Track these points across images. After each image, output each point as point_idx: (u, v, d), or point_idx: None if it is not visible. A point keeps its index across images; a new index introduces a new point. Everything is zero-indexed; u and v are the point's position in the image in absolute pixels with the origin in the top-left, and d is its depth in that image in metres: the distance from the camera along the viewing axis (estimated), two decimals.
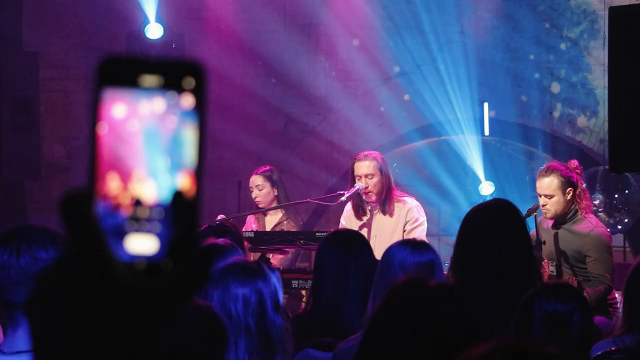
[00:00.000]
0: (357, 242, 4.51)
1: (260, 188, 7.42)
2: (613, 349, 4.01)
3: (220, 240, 4.27)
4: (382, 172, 6.73)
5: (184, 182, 0.87)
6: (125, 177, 0.87)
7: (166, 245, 0.87)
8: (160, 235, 0.87)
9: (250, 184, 7.52)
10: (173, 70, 0.88)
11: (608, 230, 6.54)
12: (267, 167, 7.61)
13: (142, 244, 0.87)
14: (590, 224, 6.24)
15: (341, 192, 6.81)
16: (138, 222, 0.87)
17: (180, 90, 0.88)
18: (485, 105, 9.88)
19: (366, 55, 10.04)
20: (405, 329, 2.08)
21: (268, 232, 7.17)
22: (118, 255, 0.87)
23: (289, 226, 7.33)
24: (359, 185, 6.69)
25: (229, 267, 2.94)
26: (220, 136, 9.74)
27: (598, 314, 5.71)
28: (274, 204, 7.41)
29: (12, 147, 8.91)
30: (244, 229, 7.07)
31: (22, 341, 2.57)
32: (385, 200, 6.74)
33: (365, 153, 6.93)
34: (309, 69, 10.06)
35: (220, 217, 6.86)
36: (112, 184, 0.87)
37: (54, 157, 9.80)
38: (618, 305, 5.61)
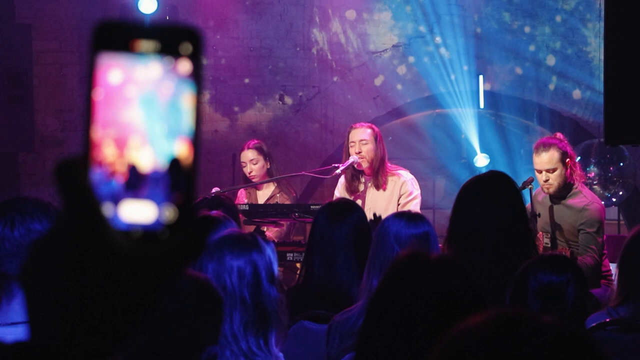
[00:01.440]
0: (344, 211, 4.45)
1: (254, 162, 7.39)
2: (607, 320, 4.02)
3: (214, 212, 4.25)
4: (377, 141, 6.73)
5: (180, 148, 0.86)
6: (121, 143, 0.85)
7: (162, 213, 0.86)
8: (156, 203, 0.86)
9: (243, 159, 7.46)
10: (170, 35, 0.87)
11: (603, 203, 6.55)
12: (256, 141, 7.58)
13: (138, 211, 0.86)
14: (586, 198, 6.25)
15: (336, 165, 6.80)
16: (134, 189, 0.86)
17: (177, 56, 0.86)
18: (481, 78, 9.87)
19: (361, 28, 10.00)
20: (408, 303, 2.08)
21: (263, 204, 7.15)
22: (114, 222, 0.86)
23: (282, 199, 7.31)
24: (353, 158, 6.68)
25: (223, 239, 2.93)
26: (215, 109, 9.72)
27: (593, 287, 5.74)
28: (267, 178, 7.38)
29: (6, 120, 8.87)
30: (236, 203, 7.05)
31: (17, 313, 2.56)
32: (379, 172, 6.73)
33: (361, 123, 6.96)
34: (303, 41, 10.03)
35: (215, 190, 6.85)
36: (108, 150, 0.86)
37: (48, 129, 9.77)
38: (613, 277, 5.63)
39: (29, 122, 9.29)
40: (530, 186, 6.30)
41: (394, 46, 10.04)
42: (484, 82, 9.90)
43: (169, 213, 0.86)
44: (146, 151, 0.86)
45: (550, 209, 6.31)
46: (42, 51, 9.63)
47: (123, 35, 0.86)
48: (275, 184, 7.42)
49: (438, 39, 9.98)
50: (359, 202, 6.70)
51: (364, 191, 6.80)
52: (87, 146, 0.86)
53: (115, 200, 0.86)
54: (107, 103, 0.85)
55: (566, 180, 6.26)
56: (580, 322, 3.37)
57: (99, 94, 0.85)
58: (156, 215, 0.86)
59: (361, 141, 6.71)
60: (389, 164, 6.86)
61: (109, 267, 0.87)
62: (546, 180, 6.26)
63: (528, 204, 6.02)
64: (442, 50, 9.96)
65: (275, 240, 6.65)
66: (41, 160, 9.73)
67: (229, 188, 7.36)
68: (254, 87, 10.00)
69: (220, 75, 9.73)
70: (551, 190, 6.28)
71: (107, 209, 0.86)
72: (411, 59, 10.01)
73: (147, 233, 0.86)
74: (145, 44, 0.86)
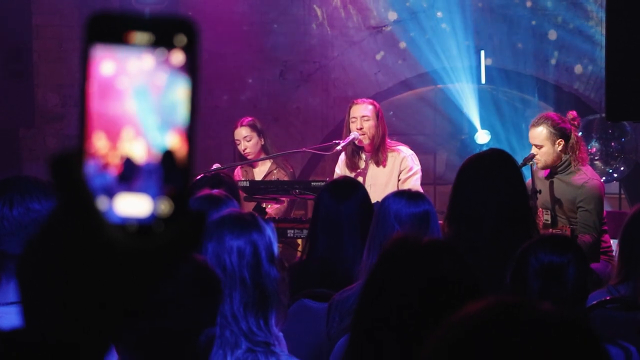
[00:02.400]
0: (349, 188, 4.47)
1: (248, 139, 7.37)
2: (608, 298, 4.03)
3: (215, 191, 4.25)
4: (378, 117, 6.72)
5: (174, 140, 0.86)
6: (114, 135, 0.85)
7: (157, 206, 0.86)
8: (150, 196, 0.85)
9: (236, 137, 7.43)
10: (164, 27, 0.86)
11: (602, 180, 6.53)
12: (250, 118, 7.56)
13: (132, 204, 0.85)
14: (585, 175, 6.23)
15: (337, 142, 6.79)
16: (128, 182, 0.85)
17: (171, 47, 0.85)
18: (482, 53, 9.82)
19: (361, 3, 9.95)
20: (399, 286, 2.08)
21: (263, 181, 7.15)
22: (108, 216, 0.85)
23: (279, 175, 7.30)
24: (354, 134, 6.67)
25: (223, 219, 2.93)
26: (215, 85, 9.69)
27: (593, 262, 5.73)
28: (262, 155, 7.37)
29: (6, 95, 8.85)
30: None
31: (15, 292, 2.56)
32: (379, 149, 6.72)
33: (363, 99, 6.94)
34: (304, 17, 9.98)
35: (215, 166, 6.84)
36: (101, 142, 0.85)
37: (48, 105, 9.75)
38: (613, 253, 5.63)
39: (29, 97, 9.27)
40: (530, 162, 6.29)
41: (394, 21, 10.00)
42: (485, 57, 9.86)
43: (164, 206, 0.86)
44: (140, 143, 0.85)
45: (550, 185, 6.30)
46: (41, 26, 9.59)
47: (117, 26, 0.85)
48: (272, 160, 7.42)
49: (439, 14, 9.93)
50: (359, 178, 6.70)
51: (365, 167, 6.79)
52: (81, 139, 0.85)
53: (110, 193, 0.85)
54: (101, 95, 0.84)
55: (556, 160, 6.21)
56: (581, 303, 3.37)
57: (92, 86, 0.84)
58: (151, 209, 0.86)
59: (362, 117, 6.69)
60: (389, 140, 6.85)
61: (105, 261, 0.86)
62: (534, 155, 6.26)
63: (528, 180, 6.01)
64: (444, 25, 9.91)
65: (276, 217, 6.64)
66: (42, 136, 9.72)
67: (228, 165, 7.35)
68: (255, 63, 9.96)
69: (220, 51, 9.68)
70: (539, 165, 6.28)
71: (101, 202, 0.85)
72: (412, 34, 9.97)
73: (142, 226, 0.86)
74: (139, 36, 0.85)
